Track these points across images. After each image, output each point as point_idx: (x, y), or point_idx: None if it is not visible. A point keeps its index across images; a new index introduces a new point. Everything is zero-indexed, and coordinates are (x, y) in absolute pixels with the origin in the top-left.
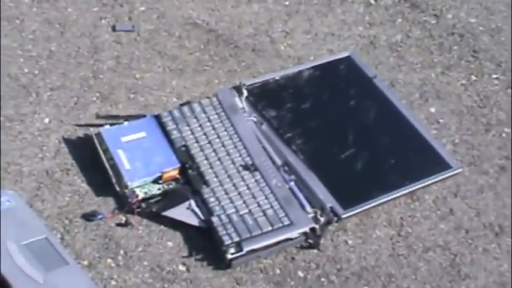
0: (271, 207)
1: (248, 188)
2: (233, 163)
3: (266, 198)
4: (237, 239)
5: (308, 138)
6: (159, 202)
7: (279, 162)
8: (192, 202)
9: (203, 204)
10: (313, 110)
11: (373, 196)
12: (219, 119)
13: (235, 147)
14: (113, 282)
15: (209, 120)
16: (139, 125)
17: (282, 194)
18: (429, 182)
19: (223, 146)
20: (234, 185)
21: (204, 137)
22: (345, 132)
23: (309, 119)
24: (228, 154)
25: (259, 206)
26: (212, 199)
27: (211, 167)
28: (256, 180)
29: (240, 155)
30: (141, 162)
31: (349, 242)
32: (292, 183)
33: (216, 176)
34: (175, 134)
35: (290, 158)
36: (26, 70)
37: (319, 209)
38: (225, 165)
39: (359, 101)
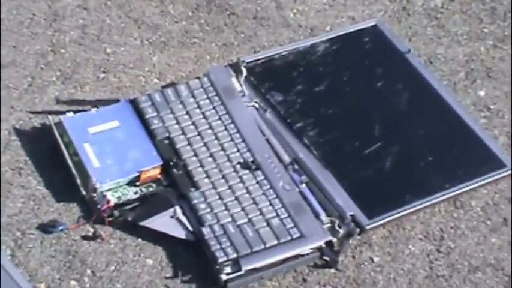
0: (277, 215)
1: (248, 192)
2: (229, 160)
3: (271, 204)
4: (233, 255)
5: (324, 129)
6: (135, 209)
7: (287, 159)
8: (178, 209)
9: (191, 211)
10: (330, 94)
11: (405, 202)
12: (211, 105)
13: (232, 140)
14: None
15: (199, 107)
16: (111, 112)
17: (290, 199)
18: (477, 185)
19: (217, 138)
20: (230, 187)
21: (192, 127)
22: (370, 122)
23: (325, 104)
24: (223, 149)
25: (261, 214)
26: (203, 205)
27: (202, 165)
28: (258, 182)
29: (238, 150)
30: (113, 159)
31: (375, 259)
32: (303, 185)
33: (208, 177)
34: (156, 124)
35: (301, 153)
36: None
37: (337, 218)
38: (218, 163)
39: (388, 82)
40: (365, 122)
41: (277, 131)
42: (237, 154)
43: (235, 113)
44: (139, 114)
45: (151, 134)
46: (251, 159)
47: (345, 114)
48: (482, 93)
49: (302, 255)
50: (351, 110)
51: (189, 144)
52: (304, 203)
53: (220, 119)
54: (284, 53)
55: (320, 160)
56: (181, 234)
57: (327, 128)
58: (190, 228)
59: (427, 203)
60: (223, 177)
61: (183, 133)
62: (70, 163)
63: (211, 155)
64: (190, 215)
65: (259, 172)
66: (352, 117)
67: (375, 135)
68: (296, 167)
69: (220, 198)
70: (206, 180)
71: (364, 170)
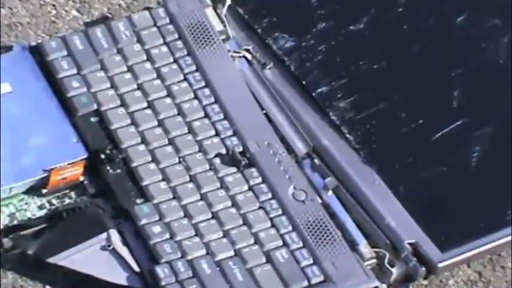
0: (285, 244)
1: (235, 204)
2: (202, 151)
3: (273, 225)
4: None
5: (365, 100)
6: (41, 236)
7: (301, 148)
8: (114, 235)
9: (137, 239)
10: (375, 36)
11: (501, 226)
12: (170, 56)
13: (207, 116)
14: None
15: (149, 58)
16: (1, 67)
17: (307, 216)
18: None
19: (181, 113)
20: (203, 197)
21: (138, 94)
22: (446, 88)
23: (367, 55)
24: (192, 132)
25: (258, 242)
26: (156, 228)
27: (155, 160)
28: (251, 187)
29: (217, 134)
30: (3, 148)
31: None
32: (329, 193)
33: (166, 179)
34: (75, 89)
35: (326, 139)
36: None
37: (387, 250)
38: (183, 156)
39: (474, 17)
40: (437, 88)
41: (285, 100)
42: (216, 140)
43: (212, 70)
44: (47, 70)
45: (67, 105)
46: (240, 148)
47: (400, 74)
48: None
49: None
50: (411, 65)
51: (133, 123)
52: (331, 223)
53: (186, 79)
54: None
55: (359, 151)
56: (120, 277)
57: (370, 97)
58: (136, 268)
59: None
60: (192, 179)
61: (123, 104)
62: None
63: (170, 142)
64: (136, 244)
65: (253, 170)
66: (413, 78)
67: (453, 111)
68: (317, 162)
69: (187, 215)
70: (162, 185)
71: (432, 170)
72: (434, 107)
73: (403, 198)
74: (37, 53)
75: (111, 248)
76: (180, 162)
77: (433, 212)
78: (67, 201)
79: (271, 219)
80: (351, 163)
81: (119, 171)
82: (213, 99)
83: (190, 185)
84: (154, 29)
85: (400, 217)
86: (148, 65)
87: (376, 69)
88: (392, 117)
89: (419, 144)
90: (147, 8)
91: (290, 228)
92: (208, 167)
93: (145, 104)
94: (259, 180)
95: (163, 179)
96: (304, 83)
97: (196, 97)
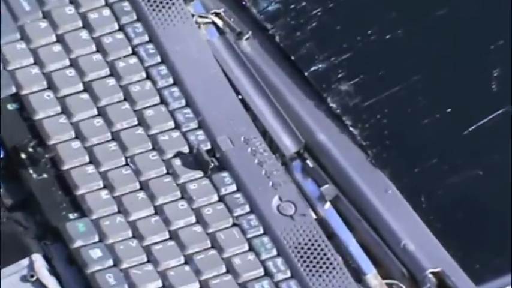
0: (268, 274)
1: (201, 221)
2: (158, 148)
3: (253, 249)
4: None
5: (375, 82)
6: None
7: (289, 146)
8: (38, 261)
9: (69, 267)
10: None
11: None
12: (114, 21)
13: (163, 101)
14: None
15: (86, 25)
16: None
17: (297, 236)
18: None
19: (129, 99)
20: (159, 210)
21: (70, 72)
22: (481, 66)
23: (374, 19)
24: (143, 122)
25: (232, 271)
26: (95, 253)
27: (94, 160)
28: (222, 198)
29: (178, 126)
30: None
31: None
32: (326, 206)
33: (108, 186)
34: None
35: (322, 134)
36: None
37: (403, 281)
38: (132, 156)
39: None
40: (471, 65)
41: (268, 81)
42: (175, 135)
43: (170, 41)
44: None
45: None
46: (207, 146)
47: (422, 46)
48: None
49: None
50: (436, 33)
51: (65, 112)
52: (329, 246)
53: (135, 53)
54: None
55: (366, 150)
56: None
57: (381, 77)
58: None
59: None
60: (144, 187)
61: (51, 87)
62: None
63: (114, 138)
64: (68, 273)
65: (225, 175)
66: (439, 51)
67: (492, 96)
68: (310, 163)
69: (137, 235)
70: (104, 194)
71: (465, 174)
72: (467, 91)
73: (425, 212)
74: None
75: (34, 278)
76: (127, 164)
77: (465, 232)
78: None
79: (249, 240)
80: (356, 165)
81: (45, 176)
82: (171, 80)
83: (141, 195)
84: None
85: (420, 238)
86: (84, 34)
87: (389, 39)
88: (410, 104)
89: (446, 141)
90: None
91: (274, 252)
92: (164, 171)
93: (80, 87)
94: (233, 188)
95: (104, 187)
96: (293, 58)
97: (149, 77)
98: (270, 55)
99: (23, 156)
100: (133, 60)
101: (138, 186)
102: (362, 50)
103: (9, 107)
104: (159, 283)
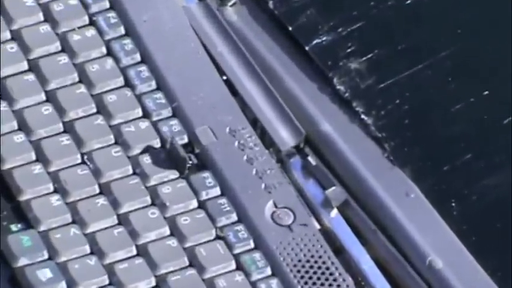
0: None
1: (176, 233)
2: (121, 141)
3: (241, 267)
4: None
5: (393, 58)
6: None
7: (287, 138)
8: None
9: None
10: None
11: None
12: None
13: (128, 84)
14: None
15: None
16: None
17: (296, 251)
18: None
19: (85, 81)
20: (124, 220)
21: (12, 47)
22: None
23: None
24: (103, 110)
25: None
26: (44, 274)
27: (42, 157)
28: (203, 204)
29: (146, 114)
30: None
31: None
32: (333, 213)
33: (60, 190)
34: None
35: (327, 123)
36: None
37: None
38: (90, 149)
39: None
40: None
41: (259, 58)
42: (144, 126)
43: (137, 7)
44: None
45: None
46: (184, 139)
47: (452, 12)
48: None
49: None
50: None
51: (5, 96)
52: (337, 263)
53: (93, 23)
54: None
55: (382, 143)
56: None
57: (401, 52)
58: None
59: None
60: (105, 191)
61: None
62: None
63: (67, 130)
64: None
65: (206, 175)
66: (472, 20)
67: None
68: (313, 160)
69: (96, 251)
70: (54, 200)
71: (505, 173)
72: (509, 69)
73: (456, 221)
74: None
75: None
76: (83, 162)
77: (506, 246)
78: None
79: (236, 256)
80: (369, 163)
81: None
82: (138, 57)
83: (101, 201)
84: None
85: (450, 253)
86: (29, 0)
87: (410, 4)
88: (438, 86)
89: (483, 132)
90: None
91: (268, 271)
92: (131, 171)
93: (24, 65)
94: (217, 191)
95: (55, 191)
96: (291, 29)
97: (110, 53)
98: (262, 25)
99: None
100: (91, 32)
101: (97, 189)
102: (377, 18)
103: None
104: None
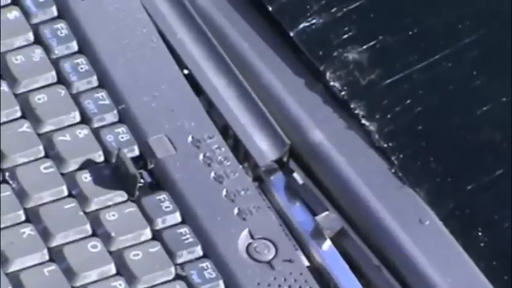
0: None
1: (124, 270)
2: (54, 154)
3: None
4: None
5: (402, 47)
6: None
7: (266, 150)
8: None
9: None
10: None
11: None
12: None
13: (62, 81)
14: None
15: None
16: None
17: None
18: None
19: (9, 76)
20: (57, 256)
21: None
22: None
23: None
24: (30, 114)
25: None
26: None
27: None
28: (159, 233)
29: (86, 119)
30: None
31: None
32: (325, 245)
33: None
34: None
35: (318, 130)
36: None
37: None
38: (13, 164)
39: None
40: None
41: (231, 47)
42: (82, 134)
43: None
44: None
45: None
46: (134, 151)
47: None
48: None
49: None
50: None
51: None
52: None
53: (17, 3)
54: None
55: (388, 155)
56: None
57: (411, 39)
58: None
59: None
60: (32, 217)
61: None
62: None
63: None
64: None
65: (162, 197)
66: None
67: None
68: (299, 178)
69: None
70: None
71: None
72: None
73: (483, 256)
74: None
75: None
76: (4, 181)
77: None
78: None
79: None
80: (372, 181)
81: None
82: (75, 46)
83: (28, 230)
84: None
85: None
86: None
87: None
88: (458, 83)
89: None
90: None
91: None
92: (65, 192)
93: None
94: (176, 218)
95: None
96: (271, 9)
97: (38, 41)
98: (235, 5)
99: None
100: (14, 13)
101: (22, 216)
102: None
103: None
104: None
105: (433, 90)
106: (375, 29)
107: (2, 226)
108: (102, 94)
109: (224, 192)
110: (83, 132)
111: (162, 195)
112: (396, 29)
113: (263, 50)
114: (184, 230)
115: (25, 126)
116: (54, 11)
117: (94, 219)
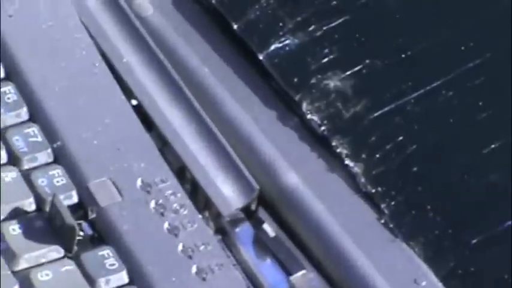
0: None
1: None
2: None
3: None
4: None
5: (392, 72)
6: None
7: (231, 197)
8: None
9: None
10: None
11: None
12: None
13: None
14: None
15: None
16: None
17: None
18: None
19: None
20: None
21: None
22: None
23: None
24: None
25: None
26: None
27: None
28: None
29: (14, 159)
30: None
31: None
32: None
33: None
34: None
35: (294, 173)
36: None
37: None
38: None
39: None
40: None
41: (189, 72)
42: (9, 177)
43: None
44: None
45: None
46: (72, 198)
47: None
48: None
49: None
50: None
51: None
52: None
53: None
54: None
55: (377, 203)
56: None
57: (407, 67)
58: None
59: None
60: None
61: None
62: None
63: None
64: None
65: (106, 254)
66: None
67: None
68: (270, 231)
69: None
70: None
71: None
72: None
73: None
74: None
75: None
76: None
77: None
78: None
79: None
80: (358, 234)
81: None
82: (0, 72)
83: None
84: None
85: None
86: None
87: None
88: (462, 115)
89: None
90: None
91: None
92: None
93: None
94: (122, 279)
95: None
96: (235, 27)
97: None
98: (192, 22)
99: None
100: None
101: None
102: (369, 11)
103: None
104: None
105: (430, 125)
106: (361, 51)
107: None
108: (33, 129)
109: (180, 247)
110: (10, 175)
111: (106, 251)
112: (386, 51)
113: (227, 76)
114: None
115: None
116: None
117: (24, 280)
